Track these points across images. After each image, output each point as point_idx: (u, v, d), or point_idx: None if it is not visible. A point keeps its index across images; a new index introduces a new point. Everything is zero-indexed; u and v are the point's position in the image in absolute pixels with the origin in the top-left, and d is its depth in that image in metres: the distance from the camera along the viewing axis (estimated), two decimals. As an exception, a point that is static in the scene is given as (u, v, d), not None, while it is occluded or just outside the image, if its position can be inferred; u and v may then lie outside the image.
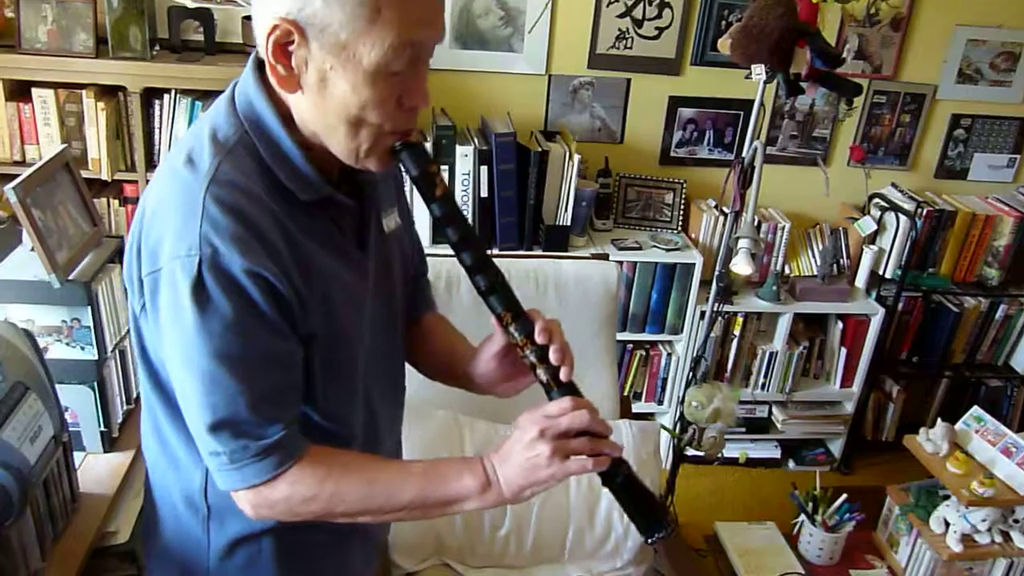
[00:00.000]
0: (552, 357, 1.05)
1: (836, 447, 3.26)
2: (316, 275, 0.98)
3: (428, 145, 2.58)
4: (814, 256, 3.07)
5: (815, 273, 3.03)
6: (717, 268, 2.46)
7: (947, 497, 2.31)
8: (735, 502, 3.03)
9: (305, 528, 1.06)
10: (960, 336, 3.19)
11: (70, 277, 1.47)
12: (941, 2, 2.94)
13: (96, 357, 1.52)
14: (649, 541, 1.08)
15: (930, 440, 2.34)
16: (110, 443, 1.61)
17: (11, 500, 1.17)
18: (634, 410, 2.36)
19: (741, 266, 2.22)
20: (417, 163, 1.01)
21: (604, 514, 1.92)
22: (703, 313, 2.70)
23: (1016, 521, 2.28)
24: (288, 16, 0.89)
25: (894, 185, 3.15)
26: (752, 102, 2.29)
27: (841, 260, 3.06)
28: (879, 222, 3.02)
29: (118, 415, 1.65)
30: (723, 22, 2.83)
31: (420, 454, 1.82)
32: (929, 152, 3.19)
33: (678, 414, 2.61)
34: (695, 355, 2.57)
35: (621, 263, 2.66)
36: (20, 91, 2.35)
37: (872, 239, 3.05)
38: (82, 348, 1.51)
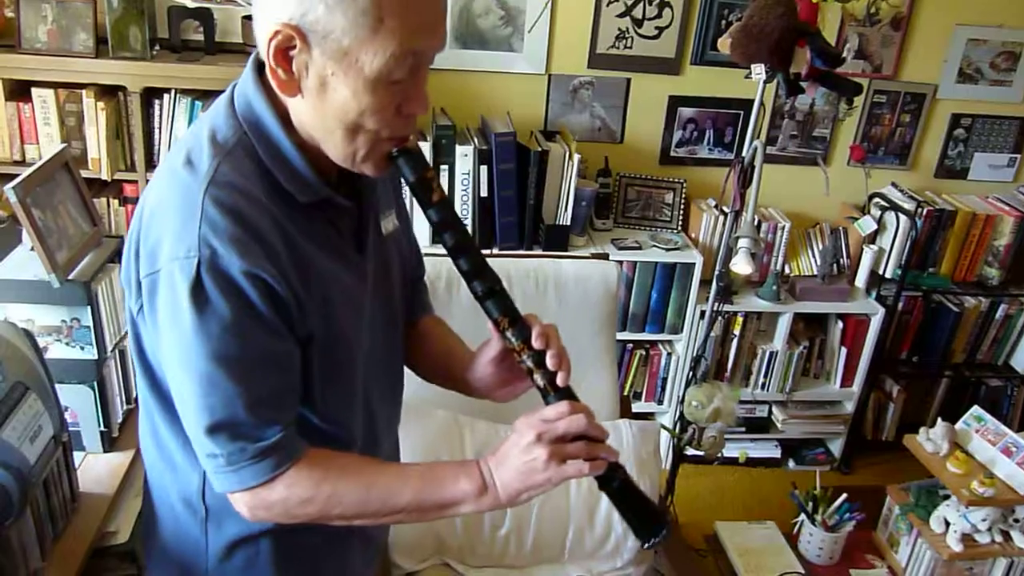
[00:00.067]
0: (549, 362, 1.05)
1: (836, 447, 3.26)
2: (315, 277, 0.98)
3: (428, 145, 2.58)
4: (814, 256, 3.07)
5: (815, 273, 3.03)
6: (717, 268, 2.46)
7: (947, 497, 2.31)
8: (735, 502, 3.03)
9: (303, 530, 1.06)
10: (960, 336, 3.19)
11: (70, 277, 1.47)
12: (941, 1, 2.93)
13: (96, 357, 1.52)
14: (646, 545, 1.08)
15: (930, 440, 2.34)
16: (110, 443, 1.61)
17: (11, 500, 1.17)
18: (634, 410, 2.36)
19: (741, 266, 2.22)
20: (414, 169, 1.01)
21: (604, 514, 1.92)
22: (703, 313, 2.70)
23: (1016, 521, 2.28)
24: (290, 22, 0.88)
25: (894, 185, 3.15)
26: (752, 102, 2.29)
27: (841, 260, 3.06)
28: (879, 222, 3.02)
29: (118, 415, 1.65)
30: (723, 22, 2.83)
31: (420, 454, 1.82)
32: (929, 152, 3.19)
33: (678, 414, 2.61)
34: (695, 355, 2.57)
35: (621, 263, 2.66)
36: (20, 91, 2.35)
37: (872, 239, 3.04)
38: (82, 348, 1.51)
